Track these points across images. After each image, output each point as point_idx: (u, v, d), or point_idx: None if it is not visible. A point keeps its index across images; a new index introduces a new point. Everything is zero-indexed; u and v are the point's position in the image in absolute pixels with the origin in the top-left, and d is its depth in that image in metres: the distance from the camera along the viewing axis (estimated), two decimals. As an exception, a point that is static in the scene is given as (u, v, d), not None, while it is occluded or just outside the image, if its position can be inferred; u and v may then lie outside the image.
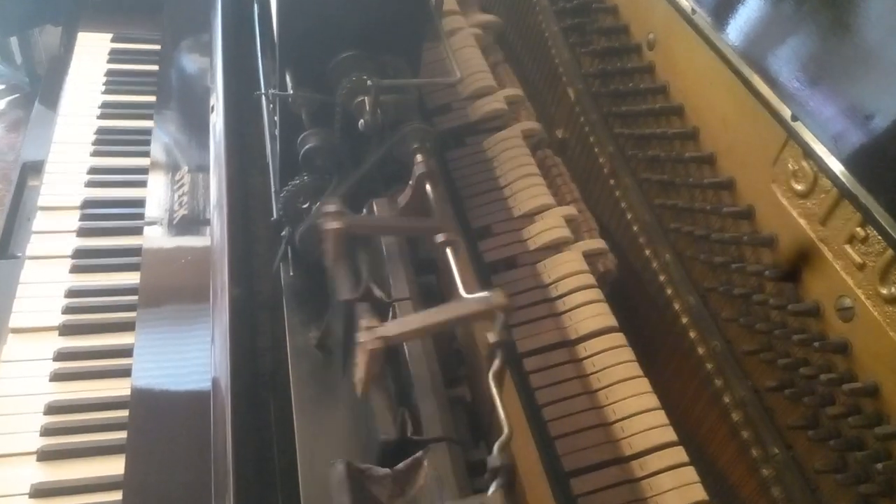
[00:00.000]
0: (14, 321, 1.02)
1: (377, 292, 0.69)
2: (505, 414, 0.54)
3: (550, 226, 0.87)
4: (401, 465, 0.57)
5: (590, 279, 0.83)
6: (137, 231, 1.12)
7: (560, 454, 0.71)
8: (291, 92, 0.76)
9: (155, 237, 1.08)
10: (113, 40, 1.49)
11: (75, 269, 1.09)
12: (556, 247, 0.87)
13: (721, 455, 0.82)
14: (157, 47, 1.43)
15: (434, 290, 0.77)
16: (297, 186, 0.76)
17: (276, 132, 0.85)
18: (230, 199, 0.90)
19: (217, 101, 1.04)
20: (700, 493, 0.69)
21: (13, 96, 2.35)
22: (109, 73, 1.42)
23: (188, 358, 0.89)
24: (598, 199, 1.01)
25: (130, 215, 1.16)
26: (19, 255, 1.11)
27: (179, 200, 1.07)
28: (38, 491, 0.86)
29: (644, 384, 0.75)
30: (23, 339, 1.00)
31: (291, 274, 0.80)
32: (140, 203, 1.14)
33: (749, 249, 0.78)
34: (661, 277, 0.89)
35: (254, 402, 0.78)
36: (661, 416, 0.73)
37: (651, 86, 0.93)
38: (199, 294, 0.87)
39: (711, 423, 0.83)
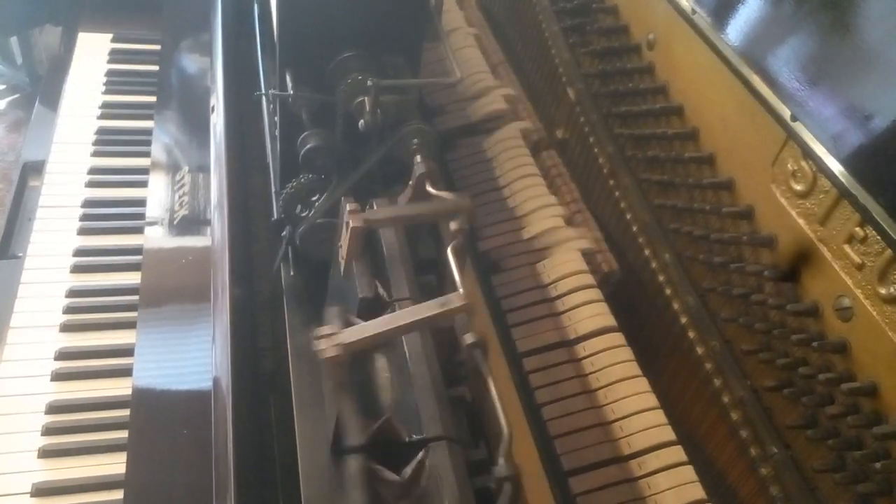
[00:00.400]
0: (15, 321, 1.02)
1: (380, 291, 0.69)
2: (504, 415, 0.55)
3: (550, 226, 0.88)
4: (408, 470, 0.58)
5: (589, 279, 0.83)
6: (138, 231, 1.12)
7: (559, 453, 0.72)
8: (292, 92, 0.77)
9: (156, 237, 1.08)
10: (113, 40, 1.49)
11: (76, 269, 1.09)
12: (555, 247, 0.87)
13: (720, 454, 0.83)
14: (158, 47, 1.43)
15: (434, 289, 0.77)
16: (298, 186, 0.77)
17: (277, 132, 0.85)
18: (231, 199, 0.91)
19: (217, 101, 1.04)
20: (699, 492, 0.70)
21: (14, 96, 2.36)
22: (110, 73, 1.42)
23: (189, 357, 0.90)
24: (597, 199, 1.01)
25: (131, 215, 1.17)
26: (20, 254, 1.11)
27: (180, 200, 1.07)
28: (40, 490, 0.86)
29: (643, 383, 0.76)
30: (24, 338, 1.01)
31: (292, 273, 0.80)
32: (141, 203, 1.15)
33: (748, 249, 0.79)
34: (661, 277, 0.89)
35: (255, 401, 0.78)
36: (659, 416, 0.74)
37: (651, 86, 0.93)
38: (200, 294, 0.88)
39: (710, 422, 0.83)
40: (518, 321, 0.81)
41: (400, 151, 0.75)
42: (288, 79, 0.78)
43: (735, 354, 0.80)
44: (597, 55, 1.03)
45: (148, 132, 1.26)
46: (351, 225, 0.63)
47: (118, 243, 1.14)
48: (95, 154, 1.27)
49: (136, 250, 1.08)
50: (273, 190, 0.86)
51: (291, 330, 0.75)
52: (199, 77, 1.26)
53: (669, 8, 0.87)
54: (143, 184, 1.18)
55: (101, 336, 1.02)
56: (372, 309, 0.67)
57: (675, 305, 0.87)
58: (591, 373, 0.77)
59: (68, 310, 1.04)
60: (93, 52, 1.45)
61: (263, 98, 0.96)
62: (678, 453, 0.72)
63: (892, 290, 0.62)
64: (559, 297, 0.82)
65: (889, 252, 0.61)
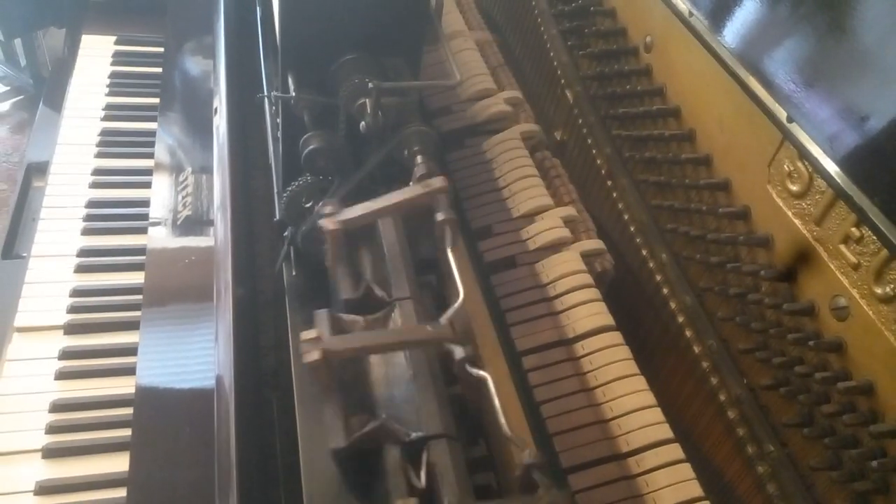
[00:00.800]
0: (19, 320, 1.03)
1: (378, 292, 0.70)
2: (505, 418, 0.56)
3: (549, 226, 0.88)
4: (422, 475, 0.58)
5: (587, 279, 0.84)
6: (142, 231, 1.12)
7: (557, 451, 0.72)
8: (294, 94, 0.77)
9: (159, 237, 1.08)
10: (116, 42, 1.50)
11: (80, 269, 1.10)
12: (554, 247, 0.87)
13: (717, 452, 0.83)
14: (161, 50, 1.44)
15: (434, 289, 0.78)
16: (300, 188, 0.77)
17: (279, 134, 0.86)
18: (233, 200, 0.91)
19: (220, 103, 1.05)
20: (696, 489, 0.70)
21: (17, 98, 2.37)
22: (113, 75, 1.43)
23: (192, 356, 0.90)
24: (595, 200, 1.02)
25: (135, 216, 1.17)
26: (24, 255, 1.12)
27: (183, 201, 1.08)
28: (43, 488, 0.87)
29: (640, 382, 0.76)
30: (28, 337, 1.01)
31: (294, 274, 0.80)
32: (144, 204, 1.15)
33: (745, 250, 0.79)
34: (658, 277, 0.90)
35: (257, 399, 0.79)
36: (657, 414, 0.74)
37: (648, 88, 0.94)
38: (203, 293, 0.88)
39: (707, 420, 0.84)
40: (517, 320, 0.82)
41: (400, 153, 0.76)
42: (290, 81, 0.78)
43: (732, 353, 0.81)
44: (595, 57, 1.03)
45: (151, 134, 1.27)
46: (327, 229, 0.64)
47: (122, 244, 1.15)
48: (99, 155, 1.28)
49: (140, 250, 1.09)
50: (275, 191, 0.87)
51: (293, 329, 0.75)
52: (202, 79, 1.27)
53: (667, 10, 0.88)
54: (147, 185, 1.19)
55: (105, 335, 1.02)
56: (360, 310, 0.67)
57: (672, 305, 0.87)
58: (589, 371, 0.77)
59: (72, 309, 1.05)
60: (96, 55, 1.46)
61: (266, 100, 0.97)
62: (676, 451, 0.72)
63: (888, 289, 0.62)
64: (558, 296, 0.83)
65: (885, 252, 0.62)
